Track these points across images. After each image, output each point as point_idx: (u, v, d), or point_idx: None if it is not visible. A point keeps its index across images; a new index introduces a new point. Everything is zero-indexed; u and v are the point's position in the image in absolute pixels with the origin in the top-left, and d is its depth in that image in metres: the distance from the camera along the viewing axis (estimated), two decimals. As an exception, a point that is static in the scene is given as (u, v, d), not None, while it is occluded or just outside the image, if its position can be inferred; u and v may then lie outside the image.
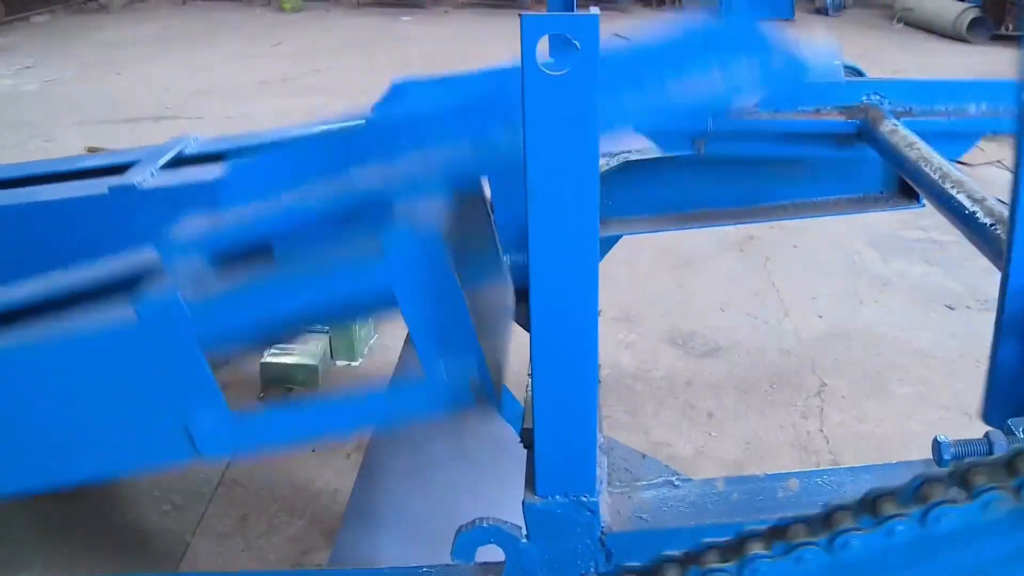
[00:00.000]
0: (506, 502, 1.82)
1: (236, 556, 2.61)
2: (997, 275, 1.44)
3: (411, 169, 1.25)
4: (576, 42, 0.96)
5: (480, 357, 1.26)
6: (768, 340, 3.77)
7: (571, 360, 1.06)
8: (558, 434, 1.11)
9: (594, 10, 0.99)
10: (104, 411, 1.36)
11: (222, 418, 1.33)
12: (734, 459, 3.05)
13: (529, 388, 1.32)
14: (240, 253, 1.35)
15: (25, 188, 2.13)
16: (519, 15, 0.97)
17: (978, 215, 1.52)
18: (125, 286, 1.41)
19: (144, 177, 1.98)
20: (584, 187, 1.00)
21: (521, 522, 1.23)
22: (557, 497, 1.15)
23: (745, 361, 3.64)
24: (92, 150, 6.02)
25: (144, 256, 1.45)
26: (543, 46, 0.97)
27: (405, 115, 1.35)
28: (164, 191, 1.96)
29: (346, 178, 1.28)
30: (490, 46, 9.39)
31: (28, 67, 8.96)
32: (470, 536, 1.17)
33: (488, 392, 1.27)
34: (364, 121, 1.41)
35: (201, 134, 2.42)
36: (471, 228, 1.49)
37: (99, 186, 2.01)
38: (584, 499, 1.15)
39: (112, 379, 1.33)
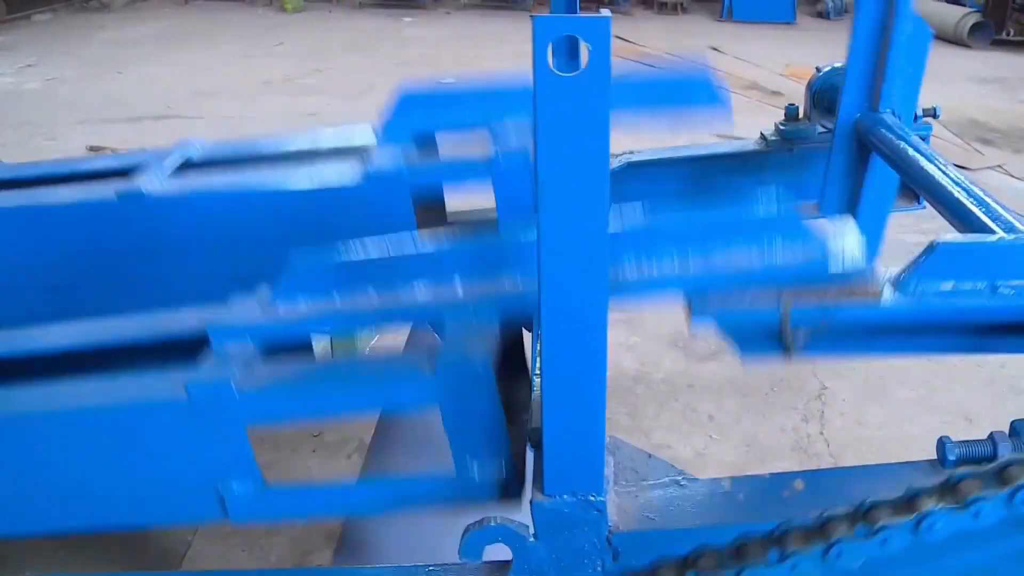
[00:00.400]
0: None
1: (237, 556, 2.61)
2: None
3: (465, 295, 1.33)
4: (588, 44, 0.96)
5: (511, 460, 1.32)
6: (769, 343, 3.77)
7: (581, 360, 1.07)
8: (567, 434, 1.12)
9: (604, 12, 1.00)
10: (144, 471, 1.42)
11: (256, 490, 1.39)
12: (734, 461, 3.05)
13: (537, 388, 1.33)
14: (287, 345, 1.44)
15: (31, 189, 2.13)
16: (530, 16, 0.98)
17: (981, 217, 1.53)
18: (172, 348, 1.52)
19: (153, 185, 1.99)
20: (595, 187, 1.00)
21: (527, 521, 1.24)
22: (565, 496, 1.16)
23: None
24: (94, 149, 6.02)
25: (190, 319, 1.53)
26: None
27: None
28: (172, 199, 1.98)
29: (401, 293, 1.35)
30: (491, 47, 9.40)
31: (30, 65, 8.95)
32: (478, 535, 1.18)
33: (513, 488, 1.34)
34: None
35: (205, 135, 2.43)
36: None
37: (107, 191, 2.01)
38: (592, 498, 1.15)
39: (156, 446, 1.39)
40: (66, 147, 6.04)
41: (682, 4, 11.60)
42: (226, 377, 1.32)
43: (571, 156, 0.99)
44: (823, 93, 2.42)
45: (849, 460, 3.06)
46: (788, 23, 10.60)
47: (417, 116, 2.03)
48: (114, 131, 6.59)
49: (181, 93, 7.73)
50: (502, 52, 9.10)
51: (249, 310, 1.42)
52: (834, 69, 2.44)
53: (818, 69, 2.46)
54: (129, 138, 6.34)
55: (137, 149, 2.45)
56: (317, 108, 7.08)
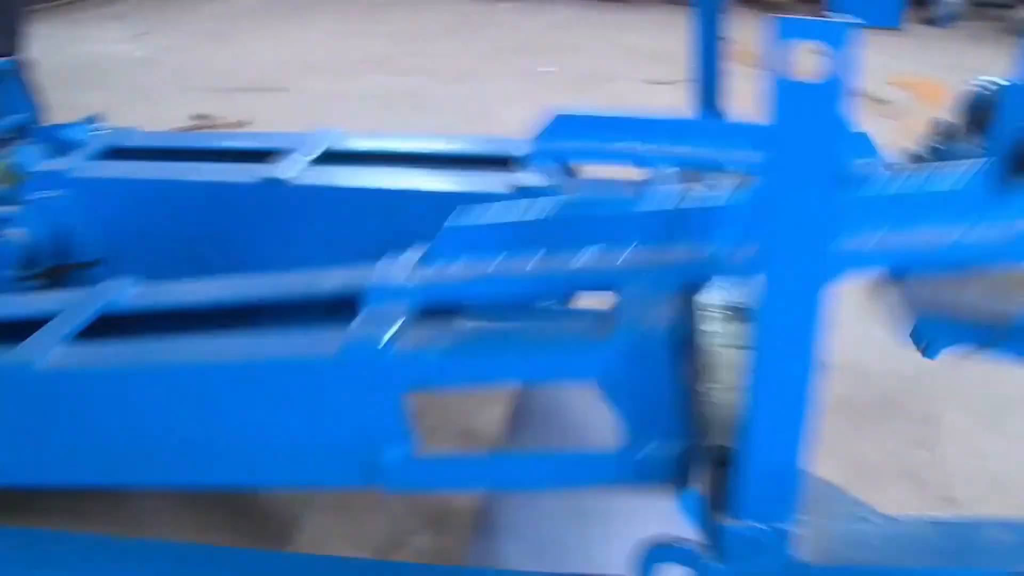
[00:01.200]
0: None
1: (344, 528, 2.61)
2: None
3: (635, 261, 1.27)
4: (832, 50, 0.91)
5: (685, 439, 1.25)
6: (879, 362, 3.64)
7: (792, 384, 1.02)
8: (767, 459, 1.07)
9: (848, 17, 0.94)
10: (292, 430, 1.39)
11: (409, 458, 1.35)
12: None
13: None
14: (440, 309, 1.38)
15: (175, 163, 2.17)
16: (772, 18, 0.93)
17: None
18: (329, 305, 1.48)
19: (295, 173, 2.03)
20: (824, 200, 0.95)
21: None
22: (757, 522, 1.11)
23: (852, 382, 3.53)
24: (198, 116, 6.15)
25: (352, 277, 1.48)
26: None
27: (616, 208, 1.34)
28: (313, 189, 2.00)
29: (564, 258, 1.29)
30: (586, 39, 9.29)
31: (141, 34, 9.21)
32: (657, 553, 1.14)
33: (685, 471, 1.27)
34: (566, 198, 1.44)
35: (308, 107, 2.47)
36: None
37: (250, 174, 2.05)
38: (784, 527, 1.10)
39: (306, 405, 1.36)
40: (170, 111, 6.17)
41: (780, 1, 11.31)
42: (383, 337, 1.27)
43: (804, 166, 0.94)
44: (981, 110, 2.30)
45: (960, 492, 2.93)
46: (892, 28, 10.23)
47: (566, 139, 1.99)
48: (217, 100, 6.71)
49: (283, 66, 7.84)
50: (597, 45, 9.00)
51: (403, 271, 1.38)
52: (994, 83, 2.31)
53: (978, 83, 2.33)
54: (232, 108, 6.45)
55: (280, 132, 2.45)
56: (414, 88, 7.11)
